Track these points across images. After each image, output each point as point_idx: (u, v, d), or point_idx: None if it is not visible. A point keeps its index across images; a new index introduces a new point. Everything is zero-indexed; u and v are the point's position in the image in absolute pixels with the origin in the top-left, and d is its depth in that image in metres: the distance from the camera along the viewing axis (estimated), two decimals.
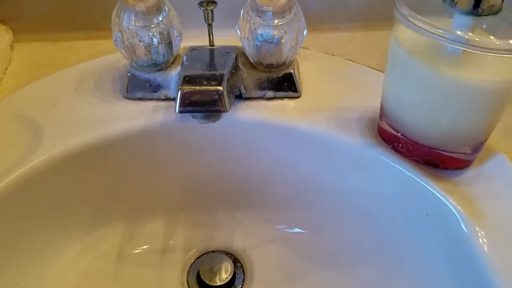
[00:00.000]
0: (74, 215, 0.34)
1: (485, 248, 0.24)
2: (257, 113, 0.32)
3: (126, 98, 0.33)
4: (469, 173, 0.28)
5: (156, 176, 0.35)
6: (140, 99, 0.33)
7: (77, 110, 0.33)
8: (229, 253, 0.37)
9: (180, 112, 0.27)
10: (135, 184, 0.35)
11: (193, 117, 0.28)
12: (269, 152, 0.34)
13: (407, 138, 0.28)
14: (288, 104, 0.33)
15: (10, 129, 0.31)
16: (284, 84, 0.33)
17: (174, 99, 0.33)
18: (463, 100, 0.25)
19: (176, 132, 0.33)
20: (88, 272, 0.34)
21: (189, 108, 0.27)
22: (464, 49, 0.23)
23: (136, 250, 0.36)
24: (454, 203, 0.26)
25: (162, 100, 0.33)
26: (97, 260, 0.34)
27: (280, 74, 0.33)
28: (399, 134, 0.28)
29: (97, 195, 0.34)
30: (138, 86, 0.33)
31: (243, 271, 0.36)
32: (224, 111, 0.27)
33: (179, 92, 0.28)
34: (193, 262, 0.36)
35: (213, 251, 0.37)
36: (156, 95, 0.33)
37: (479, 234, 0.25)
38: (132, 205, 0.36)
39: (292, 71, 0.33)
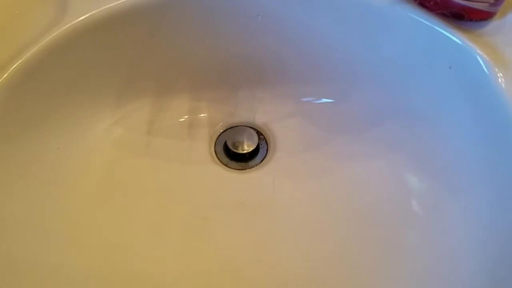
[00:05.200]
0: (104, 88, 0.34)
1: (503, 86, 0.26)
2: None
3: None
4: (492, 25, 0.29)
5: (179, 50, 0.36)
6: None
7: None
8: (253, 128, 0.39)
9: None
10: (160, 58, 0.36)
11: None
12: (293, 21, 0.34)
13: None
14: None
15: None
16: None
17: None
18: None
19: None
20: (122, 142, 0.35)
21: None
22: None
23: (165, 124, 0.38)
24: (478, 50, 0.27)
25: None
26: (129, 132, 0.36)
27: None
28: None
29: (125, 68, 0.35)
30: None
31: (266, 142, 0.38)
32: None
33: None
34: (220, 135, 0.38)
35: (237, 126, 0.39)
36: None
37: (498, 75, 0.27)
38: (158, 80, 0.37)
39: None
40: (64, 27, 0.30)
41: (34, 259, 0.28)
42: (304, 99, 0.38)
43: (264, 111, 0.39)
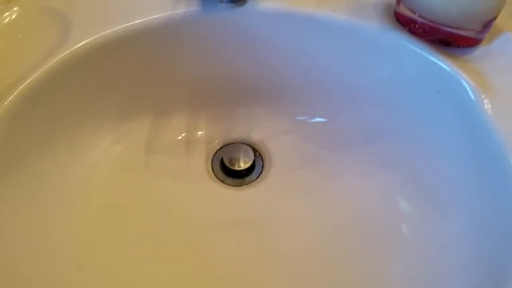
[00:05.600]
0: (104, 108, 0.35)
1: (489, 112, 0.27)
2: (276, 2, 0.33)
3: None
4: (478, 51, 0.30)
5: (178, 71, 0.37)
6: None
7: (101, 2, 0.33)
8: (249, 145, 0.40)
9: None
10: (159, 79, 0.37)
11: (220, 1, 0.29)
12: (288, 44, 0.35)
13: (423, 18, 0.29)
14: None
15: (38, 22, 0.32)
16: None
17: None
18: None
19: (197, 24, 0.34)
20: (121, 160, 0.36)
21: None
22: None
23: (163, 142, 0.39)
24: (464, 77, 0.29)
25: None
26: (128, 150, 0.37)
27: None
28: (416, 14, 0.29)
29: (124, 89, 0.36)
30: None
31: (262, 158, 0.39)
32: None
33: None
34: (216, 151, 0.39)
35: (234, 143, 0.40)
36: None
37: (485, 101, 0.28)
38: (157, 100, 0.38)
39: None
40: (66, 52, 0.31)
41: (36, 278, 0.29)
42: (298, 118, 0.39)
43: (260, 129, 0.40)
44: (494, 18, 0.29)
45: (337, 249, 0.32)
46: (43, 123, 0.31)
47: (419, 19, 0.29)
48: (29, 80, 0.30)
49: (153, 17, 0.33)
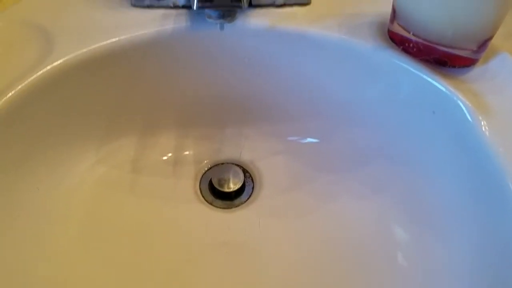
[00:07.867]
0: (88, 126, 0.34)
1: (487, 134, 0.26)
2: (267, 21, 0.33)
3: (134, 6, 0.33)
4: (475, 71, 0.29)
5: (166, 89, 0.36)
6: (149, 6, 0.33)
7: (86, 18, 0.32)
8: (239, 165, 0.38)
9: (198, 8, 0.27)
10: (146, 97, 0.35)
11: (208, 17, 0.28)
12: (280, 63, 0.34)
13: (418, 37, 0.28)
14: (299, 11, 0.33)
15: (20, 36, 0.31)
16: None
17: (182, 7, 0.33)
18: None
19: (186, 41, 0.33)
20: (105, 181, 0.35)
21: (207, 4, 0.27)
22: None
23: (150, 161, 0.37)
24: (461, 97, 0.28)
25: (170, 8, 0.33)
26: (113, 170, 0.36)
27: None
28: (411, 33, 0.29)
29: (110, 107, 0.34)
30: None
31: (252, 179, 0.38)
32: (241, 7, 0.27)
33: None
34: (205, 172, 0.38)
35: (223, 163, 0.39)
36: (164, 3, 0.33)
37: (482, 122, 0.27)
38: (144, 118, 0.37)
39: None
40: (47, 68, 0.30)
41: None
42: (290, 138, 0.38)
43: (250, 149, 0.38)
44: (490, 38, 0.28)
45: (329, 275, 0.31)
46: (22, 141, 0.30)
47: (414, 38, 0.29)
48: (8, 96, 0.28)
49: (140, 33, 0.32)
